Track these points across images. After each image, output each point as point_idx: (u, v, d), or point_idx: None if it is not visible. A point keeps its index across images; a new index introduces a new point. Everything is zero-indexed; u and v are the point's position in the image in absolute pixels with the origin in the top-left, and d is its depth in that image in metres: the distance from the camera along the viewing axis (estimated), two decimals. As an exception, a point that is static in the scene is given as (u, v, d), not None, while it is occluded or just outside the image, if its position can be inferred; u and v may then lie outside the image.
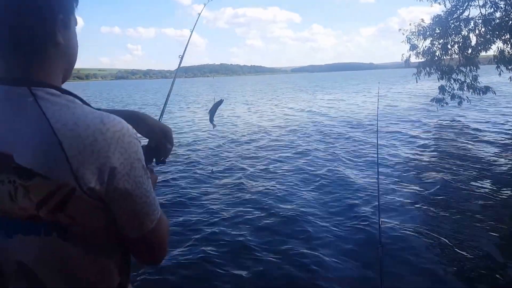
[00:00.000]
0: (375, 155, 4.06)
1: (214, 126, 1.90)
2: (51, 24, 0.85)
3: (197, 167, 8.08)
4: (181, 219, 5.13)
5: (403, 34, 10.90)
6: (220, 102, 1.85)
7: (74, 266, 0.84)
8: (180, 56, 1.89)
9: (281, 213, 5.19)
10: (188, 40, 1.98)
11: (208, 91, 52.39)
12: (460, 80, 10.45)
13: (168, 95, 1.75)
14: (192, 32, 2.02)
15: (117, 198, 0.83)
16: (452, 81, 10.53)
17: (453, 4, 10.30)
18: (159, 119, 1.46)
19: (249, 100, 30.65)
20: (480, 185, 6.10)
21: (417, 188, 6.12)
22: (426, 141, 9.95)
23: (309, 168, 7.69)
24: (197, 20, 2.08)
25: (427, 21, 10.77)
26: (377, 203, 2.86)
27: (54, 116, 0.79)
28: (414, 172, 7.06)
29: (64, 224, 0.80)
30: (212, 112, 1.83)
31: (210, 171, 7.46)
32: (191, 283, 3.66)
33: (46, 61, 0.87)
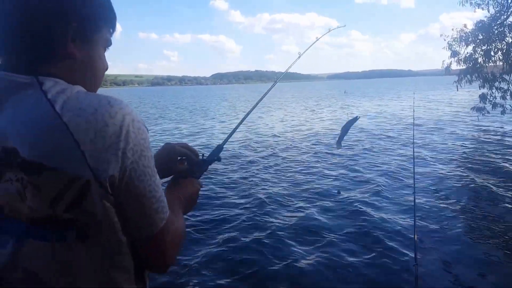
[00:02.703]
0: (412, 167, 3.96)
1: (340, 147, 1.76)
2: (60, 28, 0.80)
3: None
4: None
5: (444, 40, 10.59)
6: (355, 119, 1.71)
7: (88, 272, 0.77)
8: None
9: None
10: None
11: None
12: (503, 88, 10.00)
13: (259, 101, 1.64)
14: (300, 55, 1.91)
15: (127, 189, 0.77)
16: (494, 89, 10.09)
17: (497, 9, 9.90)
18: (228, 136, 1.48)
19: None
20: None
21: (456, 203, 5.85)
22: (466, 152, 9.57)
23: (348, 176, 7.59)
24: (312, 44, 2.00)
25: (470, 27, 10.42)
26: (413, 219, 2.78)
27: (58, 102, 0.72)
28: (452, 186, 6.74)
29: (83, 223, 0.74)
30: (345, 130, 1.68)
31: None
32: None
33: (57, 66, 0.81)
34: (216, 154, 1.36)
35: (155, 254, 0.87)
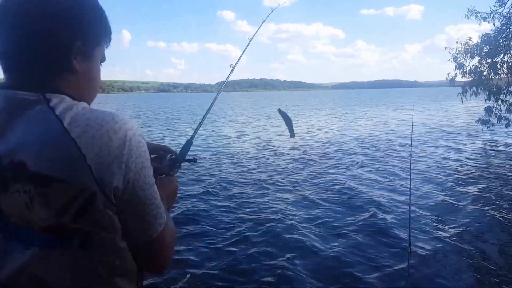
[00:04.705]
0: (410, 178, 3.96)
1: (293, 135, 1.94)
2: (65, 47, 0.85)
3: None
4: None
5: (449, 52, 10.65)
6: (282, 112, 1.90)
7: (92, 278, 0.82)
8: (230, 70, 1.93)
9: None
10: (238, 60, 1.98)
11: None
12: (508, 101, 9.99)
13: (209, 109, 1.71)
14: (242, 53, 2.02)
15: (128, 199, 0.82)
16: (500, 102, 10.09)
17: (502, 22, 9.95)
18: (195, 131, 1.55)
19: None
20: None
21: (451, 215, 5.80)
22: (468, 165, 9.45)
23: (341, 188, 7.61)
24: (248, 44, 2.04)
25: (475, 39, 10.49)
26: (407, 231, 2.81)
27: (66, 118, 0.77)
28: (449, 199, 6.64)
29: (87, 232, 0.78)
30: (288, 121, 1.89)
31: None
32: None
33: (62, 81, 0.86)
34: (187, 149, 1.42)
35: (155, 256, 0.94)
